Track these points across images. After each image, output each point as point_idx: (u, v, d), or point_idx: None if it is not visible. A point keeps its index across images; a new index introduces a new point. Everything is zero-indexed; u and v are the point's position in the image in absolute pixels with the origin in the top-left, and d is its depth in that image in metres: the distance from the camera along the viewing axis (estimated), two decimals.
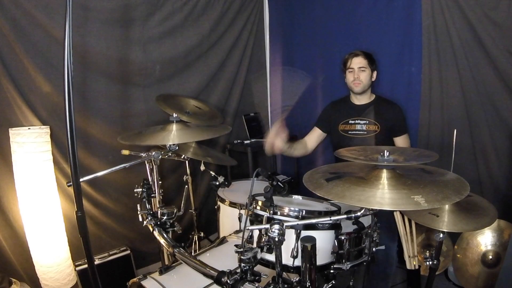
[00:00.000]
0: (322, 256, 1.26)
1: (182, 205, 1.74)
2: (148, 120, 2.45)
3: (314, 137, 2.40)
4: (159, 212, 1.57)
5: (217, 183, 1.88)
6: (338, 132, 2.28)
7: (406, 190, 1.04)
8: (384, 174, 1.11)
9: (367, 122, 2.18)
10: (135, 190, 1.58)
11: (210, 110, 2.47)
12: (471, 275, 2.08)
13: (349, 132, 2.24)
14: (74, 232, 1.50)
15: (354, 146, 2.21)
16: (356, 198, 1.02)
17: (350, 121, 2.24)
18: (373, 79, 2.18)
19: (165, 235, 1.46)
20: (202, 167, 2.29)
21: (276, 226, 1.03)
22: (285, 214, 1.24)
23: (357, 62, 2.14)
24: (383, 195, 1.03)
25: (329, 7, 2.75)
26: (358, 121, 2.21)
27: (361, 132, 2.20)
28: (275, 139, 1.94)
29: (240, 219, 1.71)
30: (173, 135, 1.56)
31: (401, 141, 2.16)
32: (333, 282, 1.30)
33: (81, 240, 1.19)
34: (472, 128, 2.16)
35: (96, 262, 2.13)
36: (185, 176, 2.36)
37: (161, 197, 1.75)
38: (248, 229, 1.24)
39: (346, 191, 1.06)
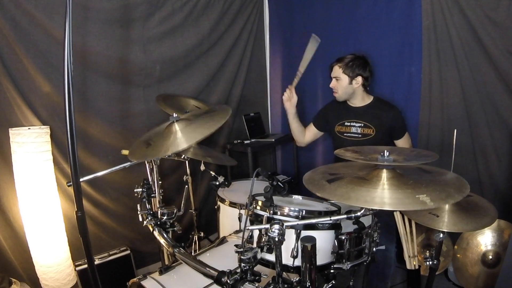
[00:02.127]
0: (322, 256, 1.26)
1: (182, 205, 1.74)
2: (148, 120, 2.45)
3: (310, 133, 2.44)
4: (159, 212, 1.57)
5: (217, 183, 1.88)
6: (334, 133, 2.28)
7: (410, 190, 1.03)
8: (385, 174, 1.11)
9: (362, 125, 2.16)
10: (135, 190, 1.58)
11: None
12: (471, 275, 2.08)
13: (345, 134, 2.23)
14: (74, 232, 1.50)
15: None
16: (362, 199, 1.02)
17: (346, 123, 2.23)
18: (356, 85, 2.13)
19: (165, 235, 1.46)
20: (202, 167, 2.29)
21: (276, 226, 1.03)
22: (285, 214, 1.24)
23: (333, 71, 2.17)
24: (388, 195, 1.03)
25: (329, 7, 2.75)
26: (354, 124, 2.19)
27: (355, 135, 2.18)
28: (292, 96, 2.29)
29: (240, 219, 1.71)
30: (180, 138, 1.40)
31: (402, 142, 2.15)
32: (333, 282, 1.30)
33: (81, 240, 1.19)
34: (472, 128, 2.16)
35: (96, 262, 2.13)
36: (185, 176, 2.36)
37: (161, 197, 1.75)
38: (248, 229, 1.25)
39: (350, 192, 1.05)
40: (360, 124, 2.17)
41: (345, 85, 2.13)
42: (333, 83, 2.18)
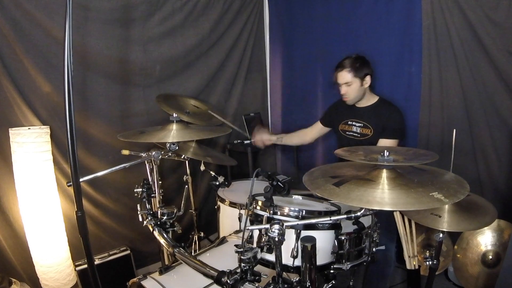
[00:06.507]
0: (322, 256, 1.26)
1: (182, 205, 1.74)
2: (148, 120, 2.45)
3: (315, 130, 2.48)
4: (159, 212, 1.57)
5: (217, 183, 1.88)
6: (338, 131, 2.29)
7: (421, 188, 1.02)
8: (384, 174, 1.11)
9: (362, 125, 2.15)
10: (135, 190, 1.58)
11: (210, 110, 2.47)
12: (471, 275, 2.07)
13: (347, 132, 2.23)
14: (74, 232, 1.50)
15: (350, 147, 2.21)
16: (377, 201, 1.00)
17: (348, 122, 2.23)
18: (366, 85, 2.10)
19: (165, 235, 1.46)
20: (202, 167, 2.29)
21: (276, 226, 1.03)
22: (285, 214, 1.24)
23: (342, 77, 2.08)
24: (388, 195, 1.02)
25: (329, 8, 2.74)
26: (355, 123, 2.19)
27: (355, 134, 2.18)
28: (261, 135, 2.53)
29: (240, 219, 1.71)
30: (173, 134, 1.58)
31: (383, 142, 2.06)
32: (333, 282, 1.31)
33: (81, 240, 1.19)
34: (472, 128, 2.16)
35: (96, 262, 2.13)
36: (185, 176, 2.36)
37: (161, 197, 1.76)
38: (248, 229, 1.25)
39: (365, 195, 1.02)
40: (360, 124, 2.16)
41: (357, 88, 2.08)
42: (344, 90, 2.10)
